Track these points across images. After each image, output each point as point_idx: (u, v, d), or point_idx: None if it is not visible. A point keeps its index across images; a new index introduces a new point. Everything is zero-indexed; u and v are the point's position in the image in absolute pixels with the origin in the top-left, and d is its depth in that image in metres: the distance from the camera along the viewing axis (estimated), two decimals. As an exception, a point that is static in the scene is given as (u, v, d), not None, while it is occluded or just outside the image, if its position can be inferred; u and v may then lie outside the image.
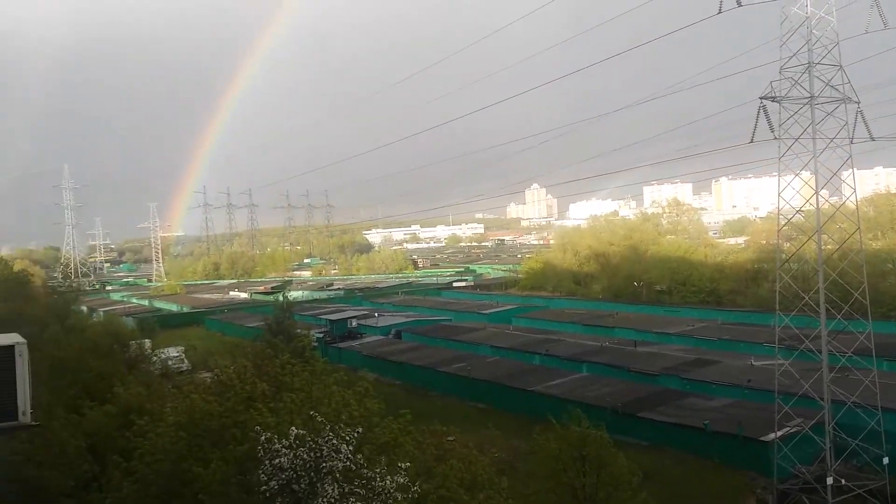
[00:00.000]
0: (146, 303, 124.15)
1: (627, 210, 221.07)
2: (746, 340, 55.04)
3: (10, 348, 6.11)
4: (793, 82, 35.30)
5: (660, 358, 49.56)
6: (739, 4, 36.04)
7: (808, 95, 34.63)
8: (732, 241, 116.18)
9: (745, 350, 51.75)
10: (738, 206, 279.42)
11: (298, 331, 50.18)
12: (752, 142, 36.86)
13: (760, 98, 35.98)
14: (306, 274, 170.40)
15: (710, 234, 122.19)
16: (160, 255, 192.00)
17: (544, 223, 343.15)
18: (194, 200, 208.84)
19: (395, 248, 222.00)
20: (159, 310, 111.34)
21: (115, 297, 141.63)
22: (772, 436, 29.46)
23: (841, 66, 34.97)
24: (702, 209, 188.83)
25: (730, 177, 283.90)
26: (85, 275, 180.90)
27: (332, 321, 69.48)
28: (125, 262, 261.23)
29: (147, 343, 49.27)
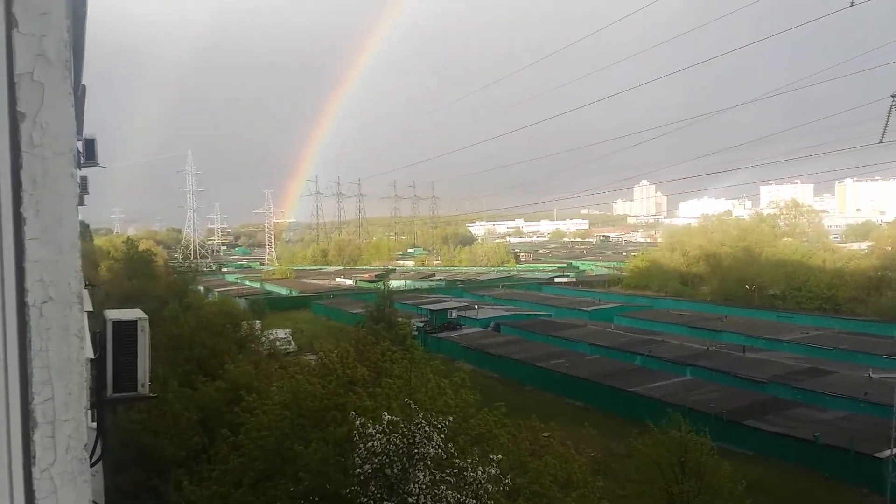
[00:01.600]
0: (258, 285, 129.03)
1: (742, 210, 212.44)
2: (865, 351, 52.07)
3: (132, 323, 6.56)
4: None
5: (769, 365, 47.53)
6: (872, -4, 34.07)
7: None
8: (855, 246, 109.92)
9: (864, 361, 48.94)
10: (863, 210, 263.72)
11: (399, 319, 51.07)
12: (881, 142, 34.84)
13: (893, 95, 33.94)
14: (409, 264, 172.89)
15: (831, 238, 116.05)
16: (273, 241, 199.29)
17: (652, 221, 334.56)
18: (306, 189, 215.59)
19: (497, 241, 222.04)
20: (270, 292, 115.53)
21: (230, 278, 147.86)
22: (887, 452, 27.82)
23: None
24: (823, 212, 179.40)
25: (855, 178, 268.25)
26: (203, 256, 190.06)
27: (432, 311, 70.23)
28: (240, 246, 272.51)
29: (257, 324, 51.12)
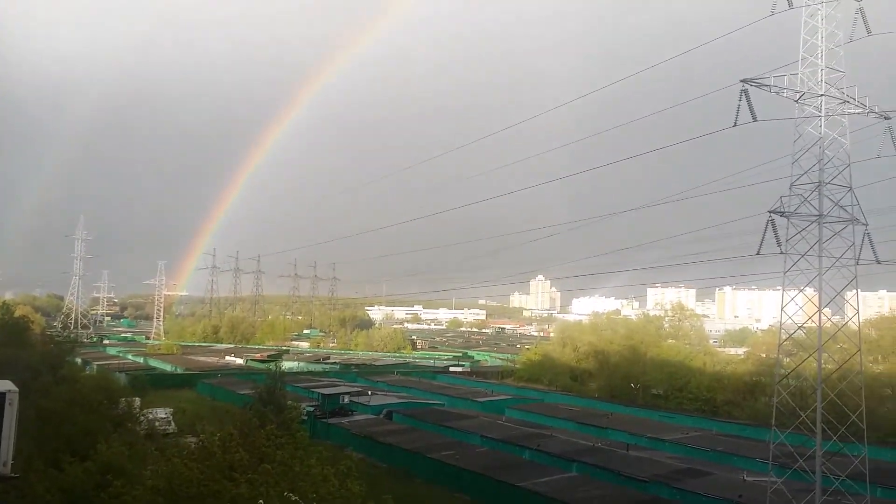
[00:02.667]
0: (141, 360, 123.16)
1: (630, 310, 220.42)
2: (740, 454, 53.95)
3: (0, 396, 6.01)
4: (802, 199, 35.92)
5: (652, 464, 48.56)
6: (755, 119, 37.05)
7: (817, 213, 35.15)
8: (733, 350, 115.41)
9: (739, 464, 50.68)
10: (741, 317, 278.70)
11: (289, 402, 49.62)
12: (758, 254, 37.18)
13: (769, 212, 36.55)
14: (304, 345, 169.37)
15: (711, 342, 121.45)
16: (161, 314, 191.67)
17: (546, 315, 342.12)
18: (203, 262, 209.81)
19: (395, 326, 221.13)
20: (153, 368, 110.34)
21: (111, 351, 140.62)
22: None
23: (851, 187, 35.65)
24: (704, 316, 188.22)
25: (734, 286, 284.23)
26: (84, 326, 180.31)
27: (324, 395, 68.65)
28: (126, 318, 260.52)
29: (137, 401, 48.67)
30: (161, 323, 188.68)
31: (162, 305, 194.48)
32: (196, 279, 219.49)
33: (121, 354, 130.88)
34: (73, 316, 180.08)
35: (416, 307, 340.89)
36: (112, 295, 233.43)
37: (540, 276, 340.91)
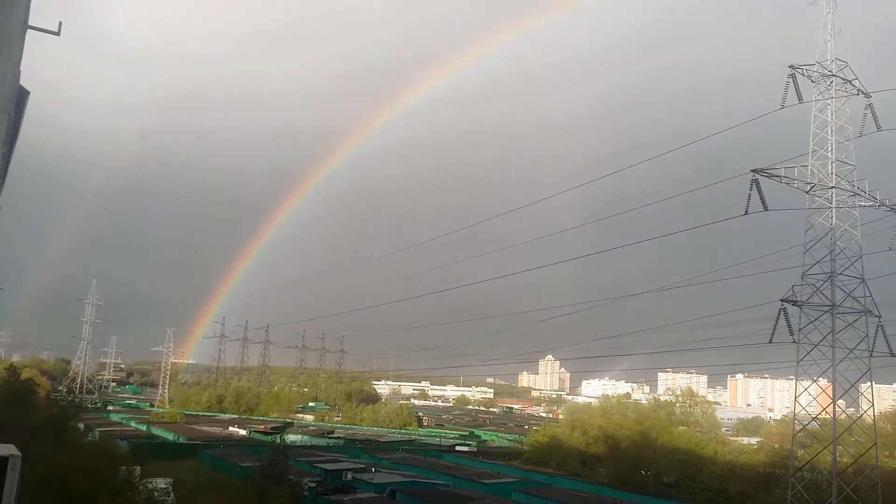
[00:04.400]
0: (144, 427, 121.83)
1: (640, 394, 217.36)
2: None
3: (3, 460, 5.97)
4: (814, 289, 35.97)
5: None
6: (765, 208, 37.44)
7: (830, 304, 35.11)
8: (745, 440, 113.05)
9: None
10: (753, 405, 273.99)
11: (291, 476, 48.82)
12: (770, 342, 36.99)
13: (782, 300, 36.55)
14: (309, 418, 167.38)
15: (723, 430, 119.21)
16: (168, 381, 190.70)
17: (555, 396, 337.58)
18: (211, 330, 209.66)
19: (402, 402, 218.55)
20: (155, 437, 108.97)
21: (115, 417, 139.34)
22: None
23: (863, 279, 35.70)
24: (716, 403, 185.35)
25: (746, 374, 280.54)
26: (90, 391, 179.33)
27: (326, 471, 67.40)
28: (132, 384, 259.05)
29: (137, 470, 48.00)
30: (166, 390, 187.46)
31: (168, 373, 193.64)
32: (204, 347, 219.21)
33: (124, 421, 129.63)
34: (78, 380, 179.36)
35: (423, 383, 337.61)
36: (119, 360, 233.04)
37: (549, 357, 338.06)
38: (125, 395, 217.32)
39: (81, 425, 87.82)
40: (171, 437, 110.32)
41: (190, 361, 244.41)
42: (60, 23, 10.02)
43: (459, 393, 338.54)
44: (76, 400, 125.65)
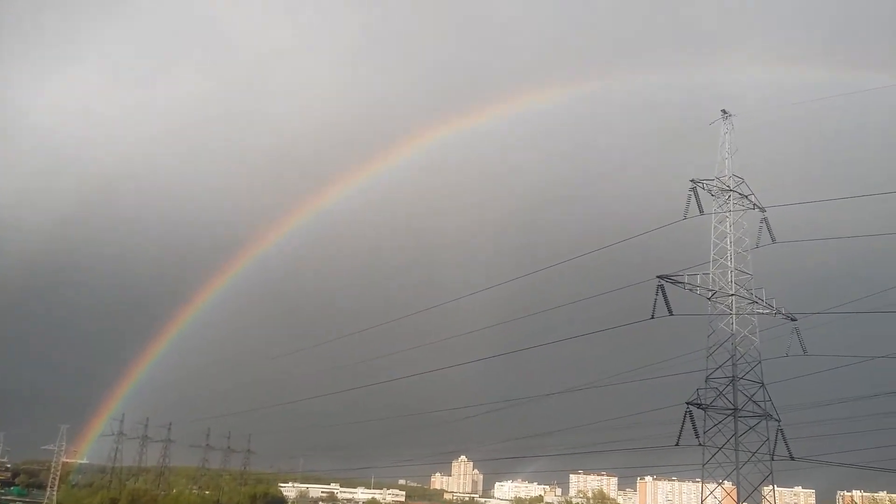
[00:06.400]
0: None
1: (553, 496, 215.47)
2: None
3: None
4: (717, 392, 37.25)
5: None
6: (671, 313, 39.01)
7: (732, 407, 36.37)
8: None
9: None
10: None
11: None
12: (677, 444, 37.78)
13: (687, 403, 37.62)
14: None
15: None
16: (57, 482, 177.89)
17: (468, 499, 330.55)
18: (109, 427, 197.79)
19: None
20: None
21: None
22: None
23: (763, 383, 37.24)
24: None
25: (655, 476, 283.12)
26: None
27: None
28: (17, 485, 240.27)
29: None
30: (55, 492, 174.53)
31: (59, 473, 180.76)
32: (100, 446, 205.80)
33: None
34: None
35: (332, 485, 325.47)
36: (6, 459, 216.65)
37: (462, 457, 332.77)
38: (9, 498, 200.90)
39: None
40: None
41: (83, 461, 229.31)
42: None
43: (370, 496, 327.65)
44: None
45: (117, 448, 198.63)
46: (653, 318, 39.52)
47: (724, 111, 45.35)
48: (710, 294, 39.93)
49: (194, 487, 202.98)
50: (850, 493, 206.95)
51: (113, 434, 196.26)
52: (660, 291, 38.74)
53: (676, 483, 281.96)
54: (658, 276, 39.17)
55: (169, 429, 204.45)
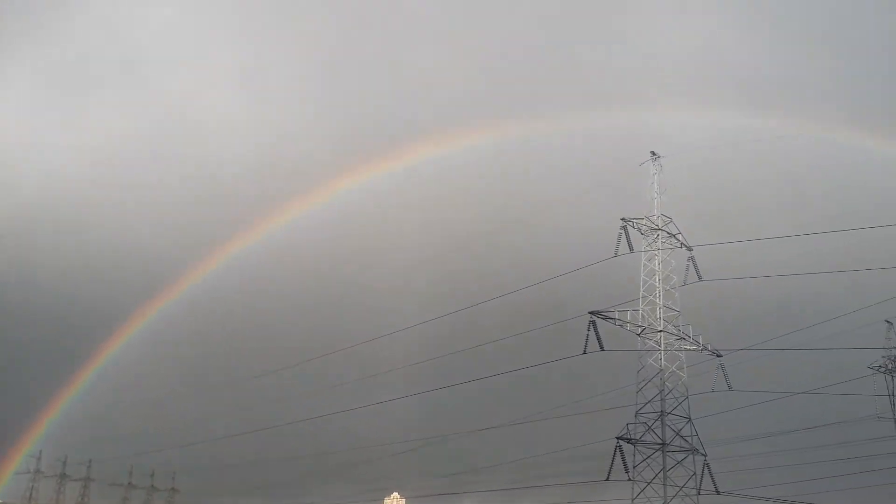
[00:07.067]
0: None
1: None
2: None
3: None
4: (647, 427, 37.84)
5: None
6: (602, 349, 39.64)
7: (661, 442, 36.98)
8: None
9: None
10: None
11: None
12: (608, 479, 38.14)
13: (617, 438, 38.10)
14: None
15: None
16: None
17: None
18: (24, 465, 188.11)
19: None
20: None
21: None
22: None
23: (690, 418, 38.03)
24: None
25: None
26: None
27: None
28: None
29: None
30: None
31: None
32: (15, 484, 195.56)
33: None
34: None
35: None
36: None
37: (395, 494, 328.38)
38: None
39: None
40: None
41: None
42: None
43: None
44: None
45: (33, 486, 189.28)
46: (585, 353, 40.09)
47: (653, 152, 46.85)
48: (639, 330, 40.76)
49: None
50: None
51: (29, 472, 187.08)
52: (592, 327, 39.38)
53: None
54: (590, 312, 39.85)
55: (89, 466, 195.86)
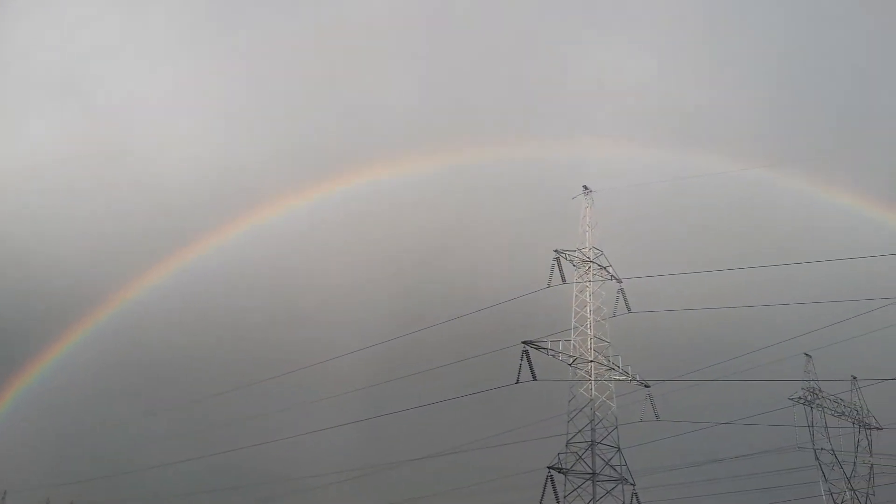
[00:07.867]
0: None
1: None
2: None
3: None
4: (577, 457, 38.31)
5: None
6: (534, 378, 40.10)
7: (591, 472, 37.47)
8: None
9: None
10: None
11: None
12: (541, 509, 38.33)
13: (548, 468, 38.46)
14: None
15: None
16: None
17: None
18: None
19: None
20: None
21: None
22: None
23: (619, 448, 38.69)
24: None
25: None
26: None
27: None
28: None
29: None
30: None
31: None
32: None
33: None
34: None
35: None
36: None
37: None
38: None
39: None
40: None
41: None
42: None
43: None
44: None
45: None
46: (517, 382, 40.46)
47: (585, 187, 48.06)
48: (571, 360, 41.41)
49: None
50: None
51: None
52: (524, 357, 39.83)
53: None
54: (523, 342, 40.32)
55: (3, 499, 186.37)
